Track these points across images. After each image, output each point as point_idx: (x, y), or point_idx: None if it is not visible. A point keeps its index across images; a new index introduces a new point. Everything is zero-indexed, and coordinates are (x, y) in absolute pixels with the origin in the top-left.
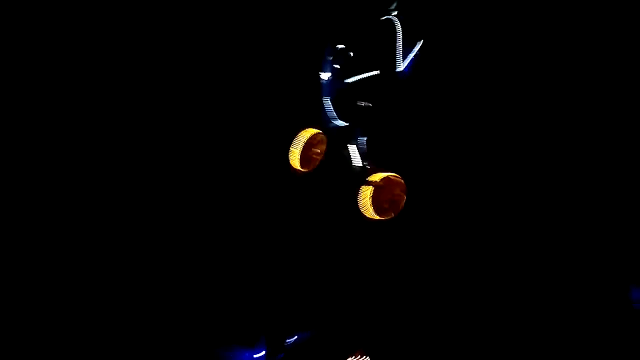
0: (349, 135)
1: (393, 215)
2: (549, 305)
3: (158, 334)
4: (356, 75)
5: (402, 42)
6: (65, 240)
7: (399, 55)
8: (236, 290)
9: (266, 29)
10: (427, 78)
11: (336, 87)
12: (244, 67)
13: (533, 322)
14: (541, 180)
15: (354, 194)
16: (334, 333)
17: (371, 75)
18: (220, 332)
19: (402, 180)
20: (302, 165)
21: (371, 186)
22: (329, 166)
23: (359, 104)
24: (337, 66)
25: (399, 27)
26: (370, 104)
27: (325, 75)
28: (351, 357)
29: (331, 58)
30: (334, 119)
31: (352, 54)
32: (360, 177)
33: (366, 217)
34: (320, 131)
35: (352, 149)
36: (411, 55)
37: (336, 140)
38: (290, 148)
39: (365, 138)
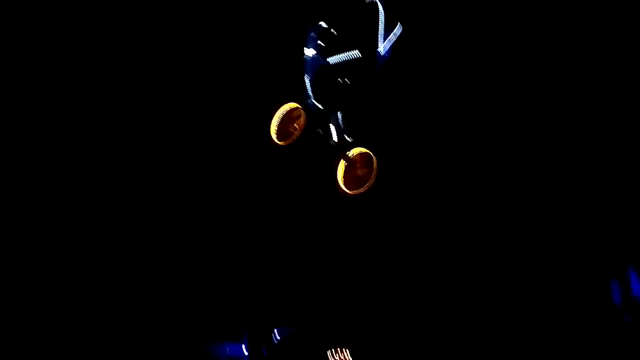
0: (327, 112)
1: (366, 188)
2: (530, 291)
3: (144, 329)
4: (337, 55)
5: (384, 26)
6: (54, 234)
7: (380, 39)
8: (218, 283)
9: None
10: (406, 61)
11: (318, 66)
12: (230, 44)
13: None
14: (516, 157)
15: (328, 168)
16: (316, 326)
17: (352, 57)
18: (204, 327)
19: (374, 157)
20: (279, 138)
21: (344, 160)
22: (306, 141)
23: (340, 80)
24: (321, 43)
25: (381, 11)
26: (349, 82)
27: (308, 52)
28: (332, 350)
29: (315, 36)
30: (314, 96)
31: (334, 32)
32: (335, 152)
33: (341, 190)
34: (300, 106)
35: (330, 126)
36: (392, 39)
37: (315, 116)
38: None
39: (340, 114)
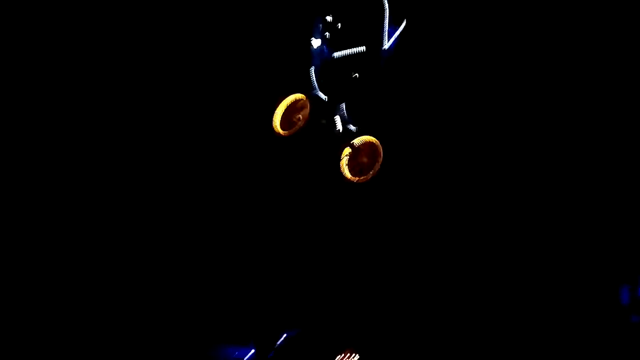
0: (331, 103)
1: (371, 175)
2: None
3: (148, 333)
4: (343, 49)
5: (388, 21)
6: (53, 235)
7: (385, 34)
8: (224, 286)
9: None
10: (410, 56)
11: (324, 58)
12: (235, 36)
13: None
14: (512, 152)
15: (332, 157)
16: (323, 329)
17: (356, 52)
18: (210, 331)
19: (378, 144)
20: (282, 128)
21: (349, 148)
22: (310, 130)
23: (344, 73)
24: (327, 35)
25: (386, 7)
26: (353, 75)
27: (315, 43)
28: (340, 355)
29: (320, 28)
30: (319, 87)
31: (340, 26)
32: (339, 141)
33: (345, 178)
34: (304, 96)
35: (334, 117)
36: (396, 34)
37: (319, 107)
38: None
39: (343, 104)
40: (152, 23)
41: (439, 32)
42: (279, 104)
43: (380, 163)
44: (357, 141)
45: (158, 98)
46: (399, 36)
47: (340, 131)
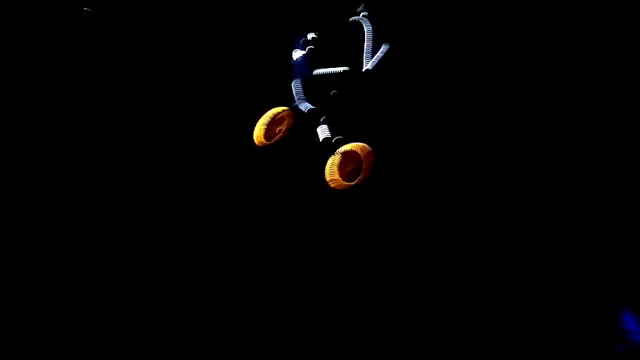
0: (313, 116)
1: (358, 182)
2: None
3: (143, 346)
4: (322, 69)
5: (371, 42)
6: (53, 237)
7: (367, 55)
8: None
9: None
10: (391, 77)
11: (304, 71)
12: (217, 48)
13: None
14: (506, 155)
15: (315, 166)
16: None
17: (337, 72)
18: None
19: (364, 150)
20: (265, 138)
21: (333, 156)
22: (292, 141)
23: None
24: (308, 50)
25: (369, 28)
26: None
27: (295, 57)
28: None
29: (302, 43)
30: (299, 100)
31: (321, 45)
32: (322, 150)
33: (332, 186)
34: (286, 108)
35: (316, 128)
36: (378, 56)
37: (301, 119)
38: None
39: (326, 118)
40: (139, 34)
41: (423, 54)
42: (260, 116)
43: (368, 164)
44: (341, 149)
45: (138, 109)
46: (381, 57)
47: (323, 141)
